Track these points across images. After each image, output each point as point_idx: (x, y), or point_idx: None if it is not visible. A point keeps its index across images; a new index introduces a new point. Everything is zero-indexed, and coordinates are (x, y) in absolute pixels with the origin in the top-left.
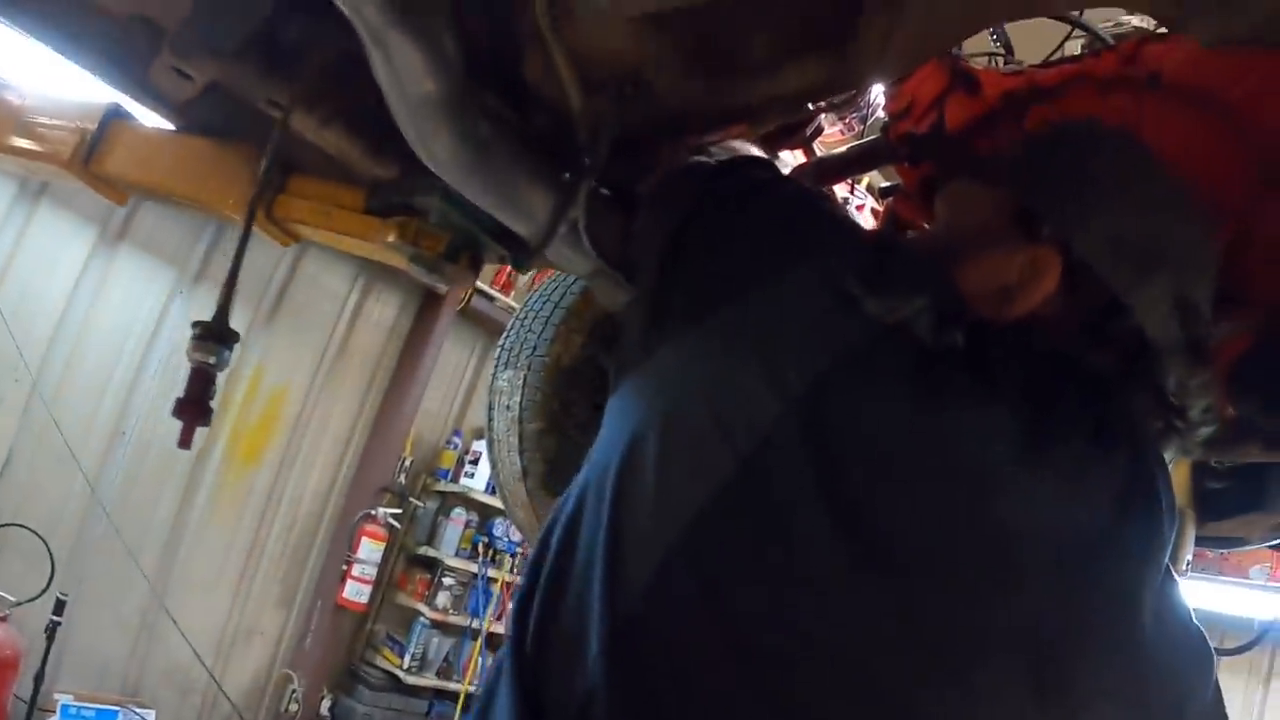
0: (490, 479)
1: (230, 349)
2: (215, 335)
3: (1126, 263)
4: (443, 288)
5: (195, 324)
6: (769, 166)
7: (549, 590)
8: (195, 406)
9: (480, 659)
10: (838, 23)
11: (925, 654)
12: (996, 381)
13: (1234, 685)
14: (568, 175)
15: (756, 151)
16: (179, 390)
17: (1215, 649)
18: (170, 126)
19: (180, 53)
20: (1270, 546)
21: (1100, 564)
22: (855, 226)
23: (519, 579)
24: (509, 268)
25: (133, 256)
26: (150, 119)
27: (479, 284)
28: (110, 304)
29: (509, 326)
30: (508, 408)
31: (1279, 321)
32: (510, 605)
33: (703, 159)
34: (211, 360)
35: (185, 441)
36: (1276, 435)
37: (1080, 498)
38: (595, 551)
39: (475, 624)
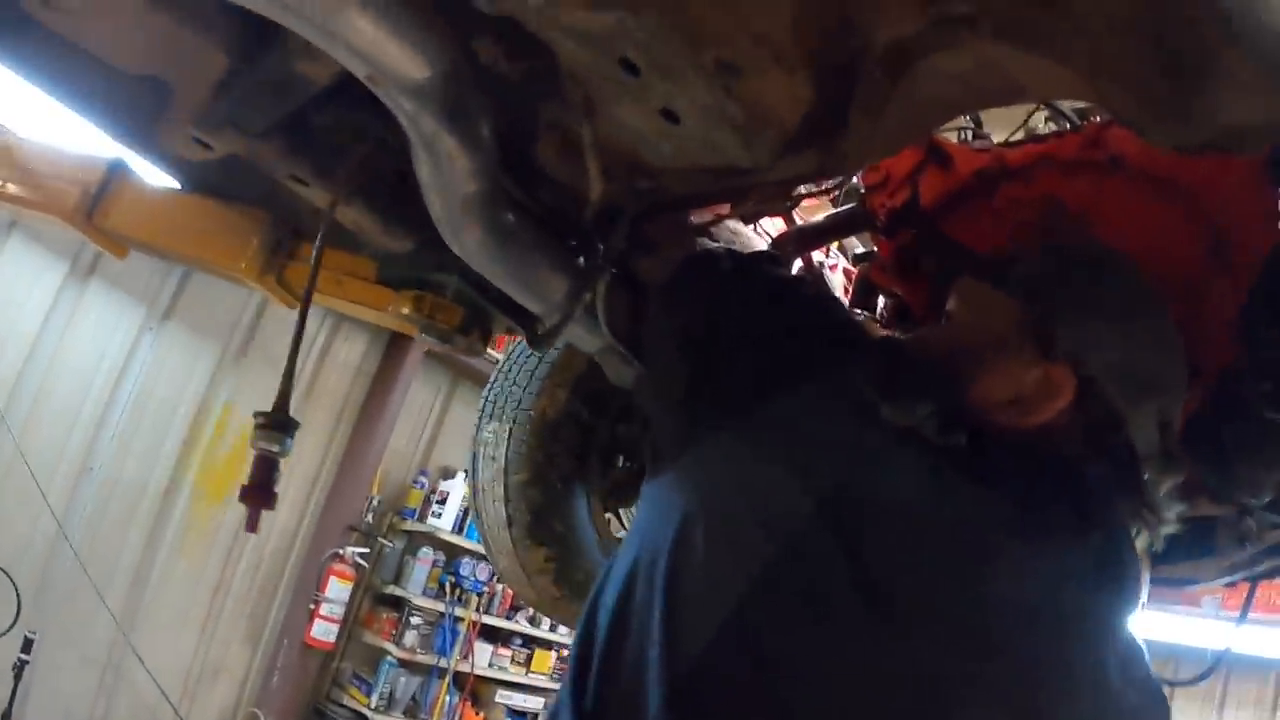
0: (457, 517)
1: (292, 436)
2: (277, 424)
3: (1131, 388)
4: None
5: (257, 414)
6: (781, 263)
7: (606, 658)
8: (260, 492)
9: (447, 698)
10: (831, 121)
11: (933, 706)
12: (995, 476)
13: (1189, 713)
14: (583, 260)
15: (752, 233)
16: (147, 428)
17: (1171, 679)
18: (176, 186)
19: (206, 125)
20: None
21: (1076, 629)
22: (866, 330)
23: (570, 643)
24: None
25: (102, 292)
26: (155, 176)
27: None
28: (79, 339)
29: (492, 378)
30: (493, 459)
31: (1226, 387)
32: (567, 670)
33: (713, 248)
34: (275, 448)
35: (252, 525)
36: (1222, 490)
37: (1062, 573)
38: (651, 622)
39: (442, 663)
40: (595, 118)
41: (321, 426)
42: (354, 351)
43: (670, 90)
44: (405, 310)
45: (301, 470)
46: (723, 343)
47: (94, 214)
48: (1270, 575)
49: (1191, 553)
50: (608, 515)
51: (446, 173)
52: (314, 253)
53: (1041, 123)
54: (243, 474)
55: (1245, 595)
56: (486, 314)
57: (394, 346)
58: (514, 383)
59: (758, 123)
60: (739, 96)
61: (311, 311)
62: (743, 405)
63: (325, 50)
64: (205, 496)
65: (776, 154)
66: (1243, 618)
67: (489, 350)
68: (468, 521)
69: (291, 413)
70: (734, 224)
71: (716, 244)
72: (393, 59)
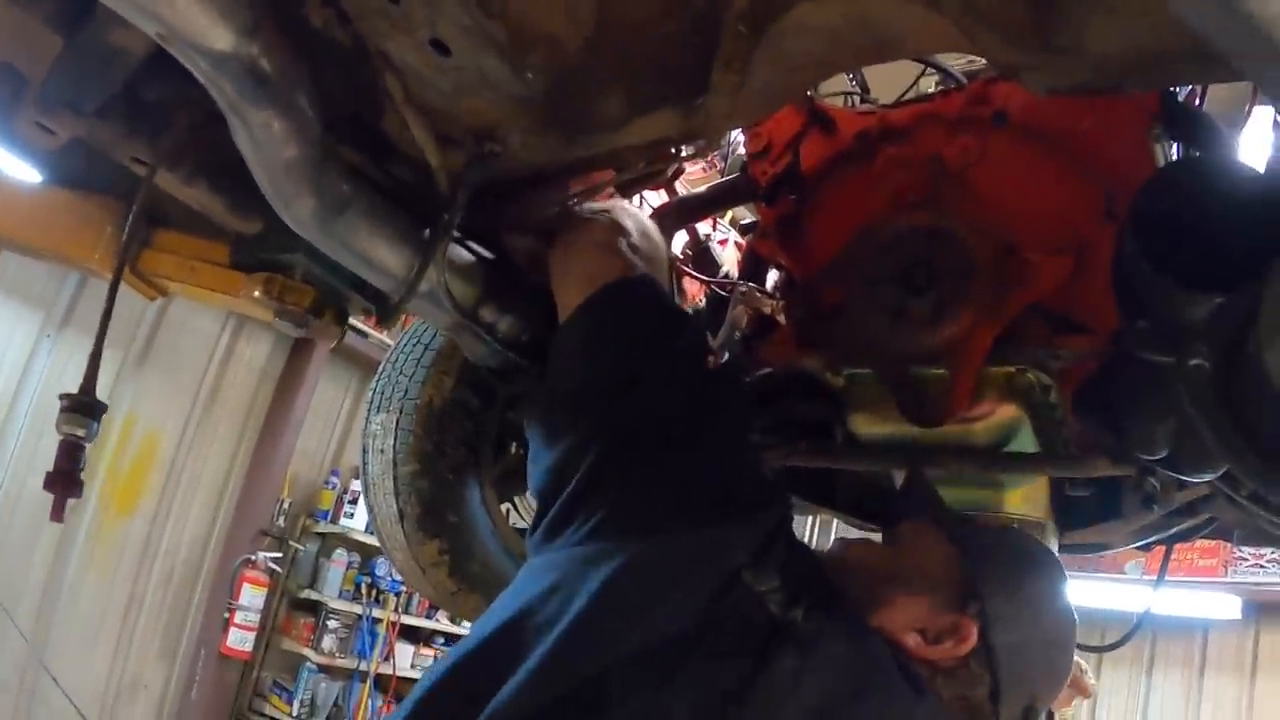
0: (369, 519)
1: (99, 420)
2: (83, 407)
3: (1015, 671)
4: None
5: (62, 396)
6: (732, 380)
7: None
8: (65, 479)
9: (370, 701)
10: (690, 76)
11: None
12: (817, 654)
13: (1119, 677)
14: (427, 232)
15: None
16: (50, 439)
17: (1098, 645)
18: (38, 177)
19: (42, 108)
20: (1137, 548)
21: None
22: (773, 495)
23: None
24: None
25: None
26: (17, 169)
27: (351, 320)
28: None
29: (380, 370)
30: (381, 451)
31: (1118, 347)
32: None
33: (637, 283)
34: (80, 432)
35: (57, 515)
36: (1117, 450)
37: None
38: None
39: (363, 665)
40: (395, 72)
41: (228, 430)
42: (258, 353)
43: (430, 15)
44: (256, 293)
45: (209, 475)
46: (643, 456)
47: None
48: (1183, 537)
49: (1098, 517)
50: (503, 505)
51: (262, 141)
52: (128, 222)
53: (932, 86)
54: (149, 487)
55: (1160, 555)
56: (338, 294)
57: (299, 346)
58: (400, 372)
59: (523, 43)
60: (497, 14)
61: (214, 313)
62: (642, 525)
63: (111, 7)
64: (112, 507)
65: (553, 80)
66: (1160, 580)
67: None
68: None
69: (197, 417)
70: (623, 203)
71: (636, 276)
72: (183, 15)
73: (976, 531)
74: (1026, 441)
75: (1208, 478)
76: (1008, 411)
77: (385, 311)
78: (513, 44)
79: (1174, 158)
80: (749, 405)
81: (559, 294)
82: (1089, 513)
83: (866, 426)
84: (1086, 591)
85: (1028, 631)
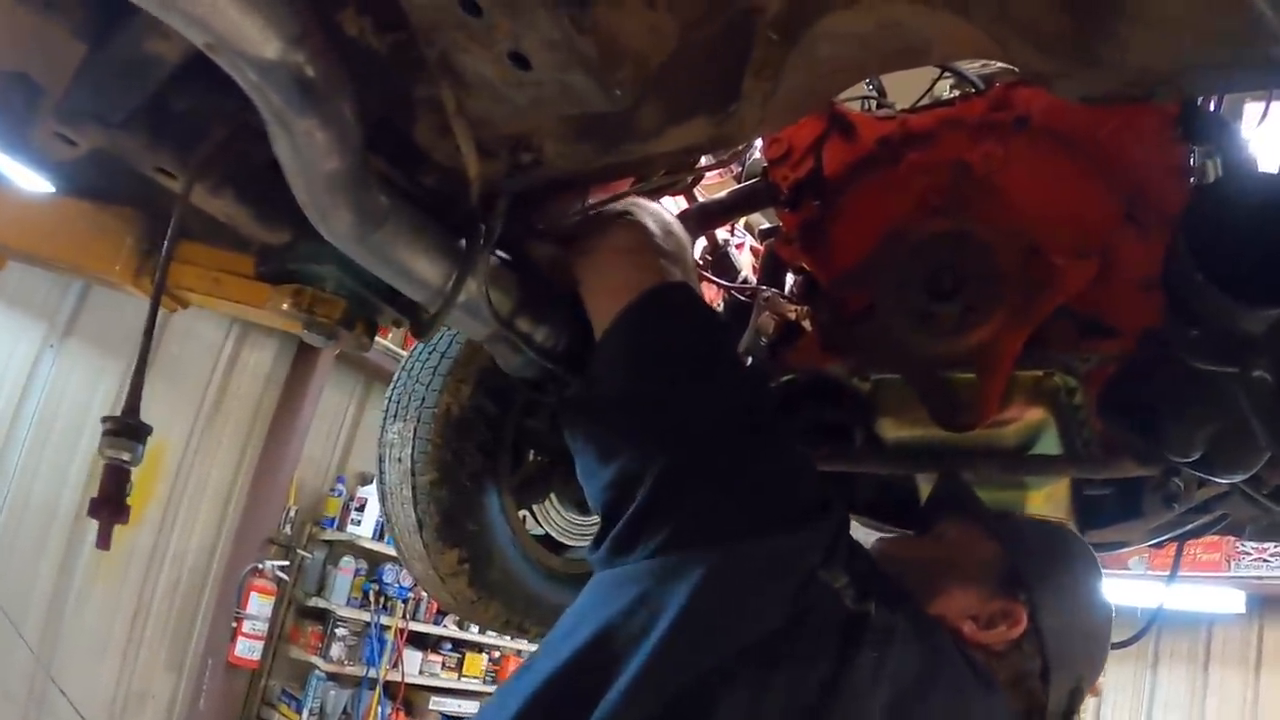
0: (377, 524)
1: (144, 443)
2: (128, 430)
3: (1062, 652)
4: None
5: (105, 419)
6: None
7: None
8: (111, 505)
9: (380, 708)
10: (722, 84)
11: None
12: (893, 645)
13: (1124, 673)
14: (464, 242)
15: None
16: (54, 449)
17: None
18: (49, 188)
19: (64, 119)
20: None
21: None
22: (831, 495)
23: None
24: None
25: None
26: (27, 179)
27: None
28: None
29: (395, 378)
30: (399, 460)
31: (1144, 347)
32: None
33: (676, 290)
34: (125, 457)
35: (104, 542)
36: (1145, 452)
37: None
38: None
39: (372, 673)
40: (456, 83)
41: (233, 438)
42: (263, 359)
43: (515, 28)
44: (284, 305)
45: (215, 484)
46: (711, 469)
47: None
48: (1197, 534)
49: (1118, 516)
50: (521, 513)
51: (304, 151)
52: (166, 241)
53: (946, 90)
54: (154, 496)
55: (1173, 554)
56: (370, 305)
57: (304, 352)
58: (417, 380)
59: (612, 59)
60: (589, 30)
61: (219, 320)
62: (713, 536)
63: (160, 17)
64: None
65: (640, 102)
66: (1173, 577)
67: (399, 350)
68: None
69: (202, 425)
70: (642, 201)
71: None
72: (233, 25)
73: (1016, 525)
74: (1051, 443)
75: (1239, 479)
76: (1035, 414)
77: (420, 324)
78: (602, 61)
79: (1192, 161)
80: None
81: (592, 303)
82: (1109, 512)
83: (894, 430)
84: None
85: (1071, 616)
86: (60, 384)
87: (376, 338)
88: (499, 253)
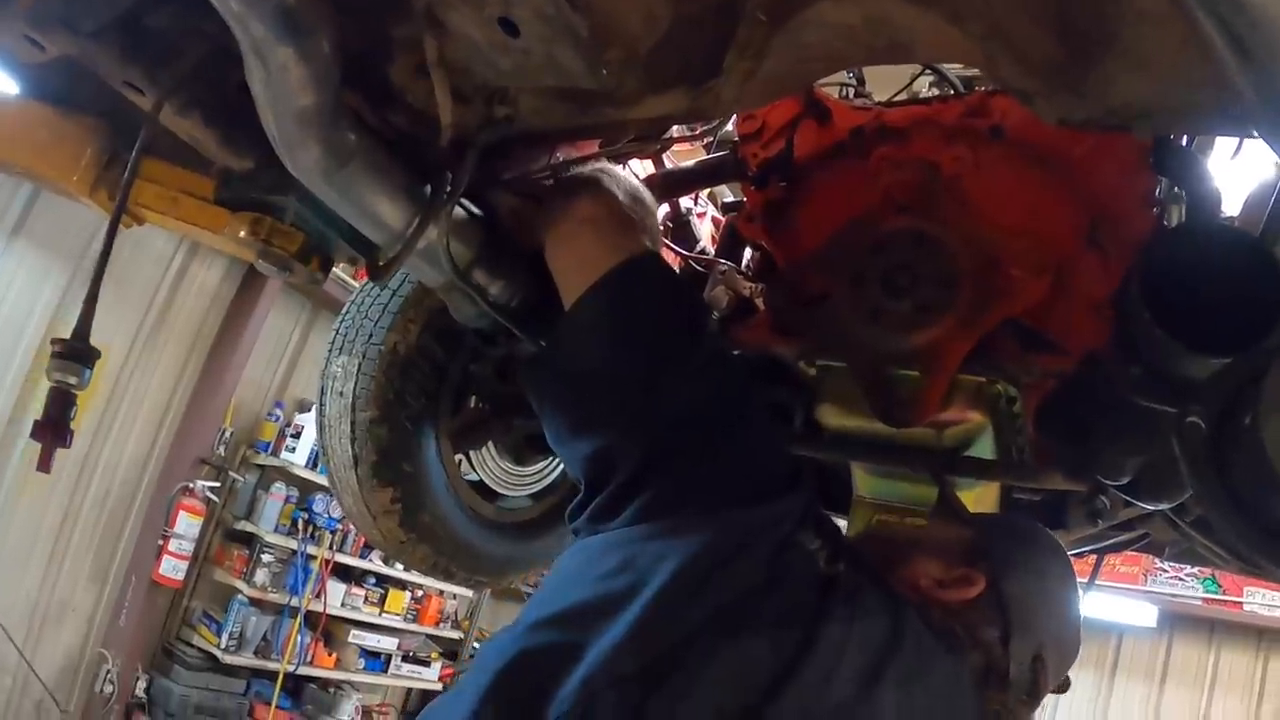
0: (312, 452)
1: (91, 367)
2: (76, 354)
3: (1023, 616)
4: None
5: (54, 341)
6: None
7: None
8: (55, 428)
9: (299, 638)
10: (704, 59)
11: None
12: (862, 604)
13: (1084, 679)
14: (429, 188)
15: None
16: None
17: None
18: (13, 89)
19: (35, 22)
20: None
21: None
22: (801, 466)
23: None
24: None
25: None
26: None
27: None
28: None
29: (344, 311)
30: (341, 394)
31: (1087, 368)
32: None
33: (647, 261)
34: (72, 380)
35: (45, 465)
36: (1080, 469)
37: (918, 694)
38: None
39: (294, 602)
40: (440, 34)
41: (174, 353)
42: (211, 277)
43: None
44: (242, 233)
45: (152, 398)
46: (696, 443)
47: None
48: (1117, 549)
49: (1041, 523)
50: (458, 457)
51: (279, 84)
52: (131, 157)
53: (925, 87)
54: (90, 404)
55: (1091, 564)
56: (328, 242)
57: (253, 274)
58: (366, 316)
59: (603, 39)
60: (582, 7)
61: (169, 233)
62: (703, 500)
63: None
64: None
65: (624, 78)
66: (1089, 586)
67: (351, 281)
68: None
69: (144, 338)
70: (610, 166)
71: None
72: None
73: (993, 518)
74: (985, 448)
75: (1163, 507)
76: (973, 418)
77: (377, 266)
78: (593, 39)
79: (1160, 193)
80: None
81: (561, 271)
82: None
83: (834, 418)
84: None
85: (1032, 585)
86: (3, 287)
87: None
88: (463, 203)
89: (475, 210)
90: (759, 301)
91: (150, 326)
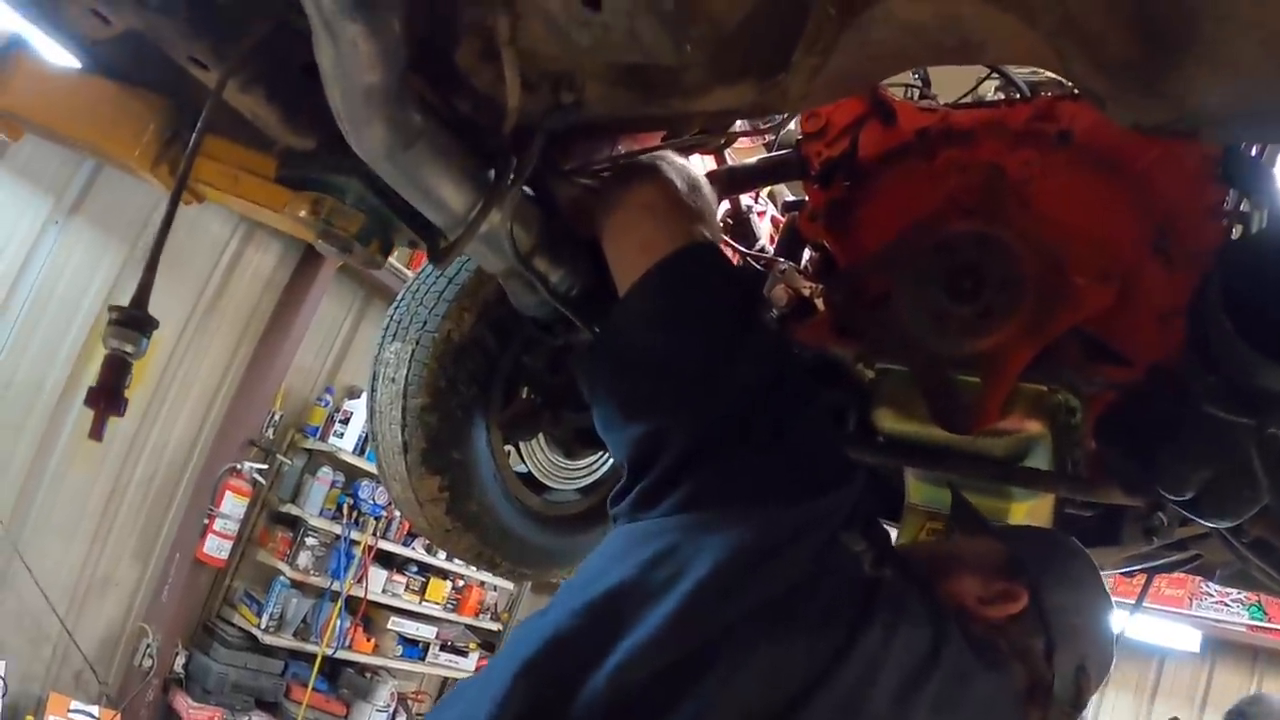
0: (360, 438)
1: (149, 336)
2: (134, 322)
3: (1065, 629)
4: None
5: (112, 309)
6: (813, 389)
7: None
8: (108, 395)
9: (339, 622)
10: (773, 53)
11: None
12: (906, 611)
13: (1124, 701)
14: (492, 173)
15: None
16: (48, 326)
17: None
18: (77, 65)
19: None
20: (1120, 573)
21: None
22: (853, 465)
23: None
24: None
25: (6, 181)
26: (56, 54)
27: None
28: None
29: (399, 298)
30: (393, 380)
31: (1152, 380)
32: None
33: (706, 250)
34: (129, 348)
35: (97, 433)
36: (1134, 483)
37: (955, 713)
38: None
39: (335, 586)
40: (512, 11)
41: (227, 336)
42: (266, 262)
43: None
44: (302, 212)
45: (203, 379)
46: (743, 440)
47: None
48: (1168, 569)
49: (1095, 540)
50: (507, 448)
51: (347, 60)
52: (195, 133)
53: (991, 91)
54: (141, 385)
55: (1140, 584)
56: (389, 224)
57: (307, 259)
58: (420, 303)
59: (688, 14)
60: None
61: (226, 216)
62: (746, 498)
63: None
64: None
65: (707, 60)
66: (1137, 606)
67: (404, 269)
68: (370, 443)
69: (197, 320)
70: (671, 155)
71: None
72: None
73: (1017, 529)
74: (1042, 458)
75: (1224, 524)
76: (1032, 427)
77: (438, 250)
78: (678, 14)
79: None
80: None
81: (617, 257)
82: (1087, 535)
83: (890, 422)
84: None
85: (1071, 597)
86: (60, 263)
87: None
88: (525, 189)
89: (536, 199)
90: (818, 301)
91: (204, 309)
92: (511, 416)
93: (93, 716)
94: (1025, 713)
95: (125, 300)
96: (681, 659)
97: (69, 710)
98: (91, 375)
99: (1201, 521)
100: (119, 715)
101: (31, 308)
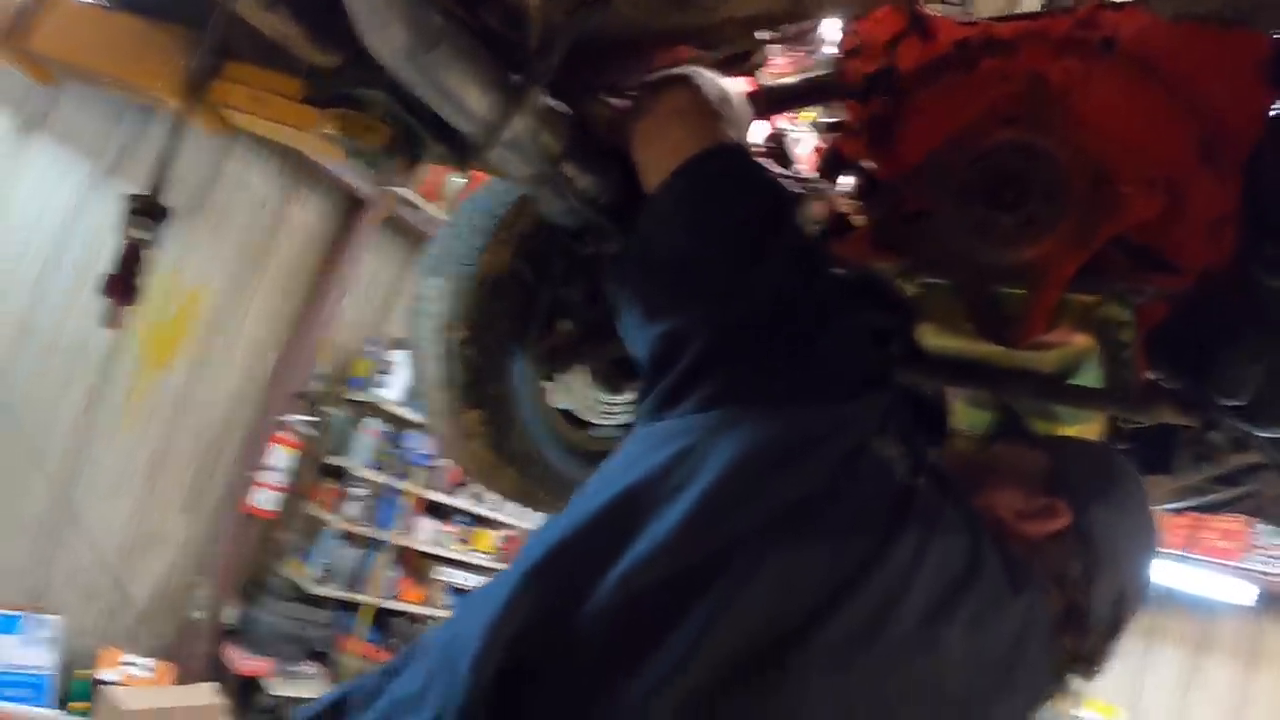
0: (405, 390)
1: (164, 225)
2: (149, 209)
3: (1107, 552)
4: (370, 192)
5: (130, 197)
6: (846, 296)
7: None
8: (124, 283)
9: (388, 572)
10: None
11: None
12: (941, 523)
13: (1170, 655)
14: (517, 78)
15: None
16: (94, 284)
17: None
18: (103, 1)
19: None
20: (1170, 510)
21: (997, 695)
22: (887, 367)
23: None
24: (436, 175)
25: (47, 146)
26: None
27: (404, 192)
28: (19, 196)
29: (439, 233)
30: (431, 315)
31: (1205, 290)
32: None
33: (734, 152)
34: (145, 236)
35: (113, 320)
36: (1188, 400)
37: (985, 637)
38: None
39: (383, 536)
40: None
41: (272, 291)
42: (310, 215)
43: None
44: (329, 129)
45: (250, 335)
46: (776, 337)
47: (20, 37)
48: (1218, 508)
49: (1145, 470)
50: (548, 382)
51: None
52: (209, 42)
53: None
54: (189, 342)
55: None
56: (416, 136)
57: (351, 212)
58: (458, 238)
59: None
60: None
61: (269, 173)
62: (781, 395)
63: None
64: (150, 359)
65: None
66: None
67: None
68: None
69: (243, 276)
70: (703, 70)
71: (729, 143)
72: None
73: (1062, 440)
74: (1091, 377)
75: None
76: (1080, 342)
77: (462, 158)
78: None
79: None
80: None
81: (645, 160)
82: (1136, 464)
83: (934, 339)
84: None
85: (1115, 521)
86: (105, 226)
87: (424, 204)
88: (553, 101)
89: (567, 110)
90: (858, 220)
91: (249, 266)
92: (550, 348)
93: (148, 669)
94: (1058, 641)
95: (171, 262)
96: (693, 565)
97: (121, 662)
98: (138, 336)
99: (1257, 431)
100: (174, 666)
101: (78, 271)
